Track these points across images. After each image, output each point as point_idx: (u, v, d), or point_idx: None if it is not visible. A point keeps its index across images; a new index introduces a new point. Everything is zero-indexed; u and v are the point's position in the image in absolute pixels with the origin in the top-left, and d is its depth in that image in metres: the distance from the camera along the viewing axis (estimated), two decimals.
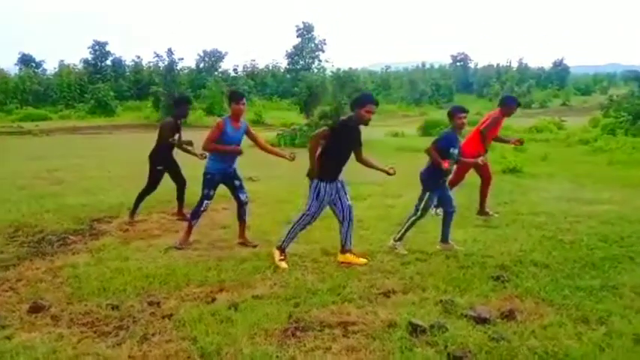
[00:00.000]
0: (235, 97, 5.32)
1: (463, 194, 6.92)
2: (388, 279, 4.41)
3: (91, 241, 5.66)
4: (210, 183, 5.33)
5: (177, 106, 6.47)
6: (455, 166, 5.34)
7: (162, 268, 4.68)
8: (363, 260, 4.82)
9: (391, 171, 4.91)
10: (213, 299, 4.01)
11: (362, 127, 4.81)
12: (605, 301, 3.87)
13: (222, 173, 5.34)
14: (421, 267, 4.67)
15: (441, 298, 3.92)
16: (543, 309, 3.77)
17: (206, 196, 5.36)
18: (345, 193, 4.86)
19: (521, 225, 6.15)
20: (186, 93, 25.93)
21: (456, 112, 5.12)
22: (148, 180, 6.48)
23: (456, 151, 5.10)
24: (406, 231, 5.20)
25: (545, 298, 3.94)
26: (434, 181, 5.11)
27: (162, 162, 6.41)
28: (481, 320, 3.53)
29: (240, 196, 5.45)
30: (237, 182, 5.44)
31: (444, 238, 5.24)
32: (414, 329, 3.39)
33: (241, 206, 5.48)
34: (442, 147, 5.06)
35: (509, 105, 6.55)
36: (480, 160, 5.81)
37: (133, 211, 6.52)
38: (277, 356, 3.14)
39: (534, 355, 3.12)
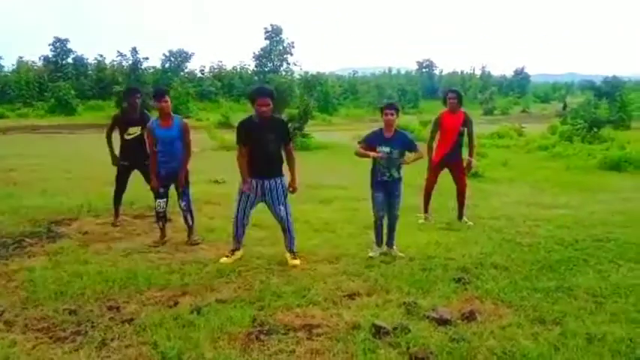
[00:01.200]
0: (156, 95, 5.28)
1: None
2: (353, 281, 4.43)
3: (48, 244, 5.46)
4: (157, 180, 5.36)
5: (124, 99, 6.27)
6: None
7: (123, 271, 4.57)
8: (296, 262, 4.83)
9: (290, 188, 4.92)
10: (176, 303, 3.94)
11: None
12: (560, 302, 4.00)
13: (167, 170, 5.33)
14: (385, 269, 4.72)
15: (404, 300, 3.97)
16: (502, 310, 3.87)
17: (156, 195, 5.39)
18: (280, 202, 4.84)
19: (482, 228, 6.29)
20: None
21: (383, 109, 5.13)
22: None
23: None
24: (376, 236, 5.23)
25: (504, 300, 4.04)
26: (372, 179, 5.14)
27: (125, 158, 6.22)
28: (442, 321, 3.60)
29: (179, 202, 5.46)
30: (180, 188, 5.42)
31: (388, 242, 5.25)
32: (378, 331, 3.42)
33: (182, 212, 5.51)
34: (368, 143, 5.12)
35: (444, 98, 6.62)
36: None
37: (115, 214, 6.36)
38: None
39: (493, 355, 3.19)
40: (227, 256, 4.88)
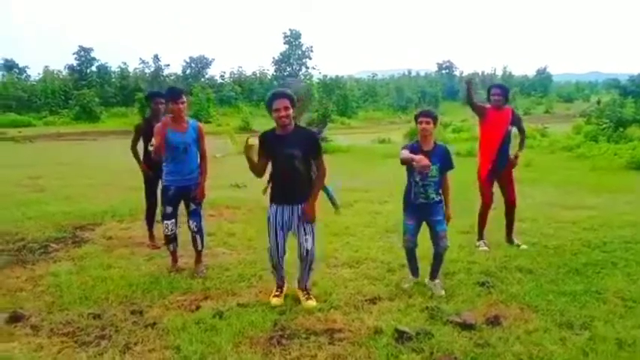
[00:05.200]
0: (171, 95, 4.59)
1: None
2: (374, 285, 4.40)
3: (73, 249, 5.57)
4: (165, 198, 4.74)
5: (147, 105, 5.60)
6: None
7: (146, 276, 4.63)
8: (312, 303, 4.01)
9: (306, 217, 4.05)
10: (198, 307, 3.97)
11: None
12: (588, 306, 3.91)
13: (177, 187, 4.68)
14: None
15: (426, 305, 3.92)
16: (528, 314, 3.80)
17: (163, 216, 4.75)
18: (307, 232, 4.01)
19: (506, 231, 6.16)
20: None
21: (417, 117, 4.25)
22: None
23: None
24: (410, 267, 4.48)
25: (530, 304, 3.96)
26: (404, 202, 4.36)
27: (150, 168, 5.61)
28: (466, 326, 3.54)
29: (189, 222, 4.79)
30: (192, 205, 4.76)
31: (431, 274, 4.38)
32: (400, 336, 3.38)
33: (191, 233, 4.82)
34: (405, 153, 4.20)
35: (488, 93, 5.61)
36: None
37: (150, 235, 5.78)
38: None
39: None
40: (277, 296, 4.14)
